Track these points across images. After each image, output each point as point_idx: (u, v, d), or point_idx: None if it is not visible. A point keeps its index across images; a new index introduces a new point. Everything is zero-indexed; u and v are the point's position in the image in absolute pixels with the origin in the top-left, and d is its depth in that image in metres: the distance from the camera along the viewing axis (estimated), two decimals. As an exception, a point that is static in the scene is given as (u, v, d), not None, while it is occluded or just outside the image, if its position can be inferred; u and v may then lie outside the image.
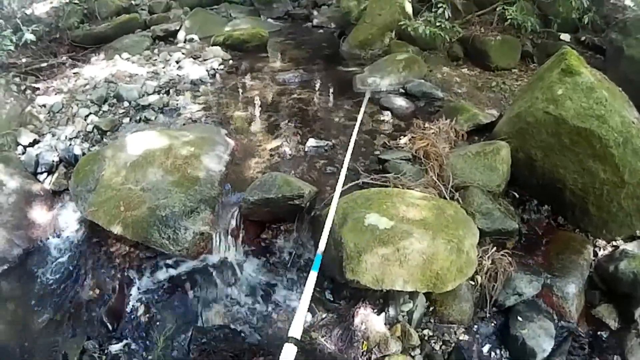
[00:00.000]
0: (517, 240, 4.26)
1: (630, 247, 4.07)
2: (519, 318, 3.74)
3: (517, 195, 4.62)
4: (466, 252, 3.31)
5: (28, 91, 6.37)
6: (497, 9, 7.51)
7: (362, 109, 3.83)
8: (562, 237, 4.33)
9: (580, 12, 7.18)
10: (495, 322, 3.86)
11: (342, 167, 2.83)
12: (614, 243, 4.27)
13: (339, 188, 3.76)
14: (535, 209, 4.56)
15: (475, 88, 6.60)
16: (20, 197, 4.65)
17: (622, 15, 7.48)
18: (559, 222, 4.49)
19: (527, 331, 3.65)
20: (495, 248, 3.88)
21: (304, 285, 2.85)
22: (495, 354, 3.72)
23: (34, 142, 5.38)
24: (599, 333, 3.86)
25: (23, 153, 5.25)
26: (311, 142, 4.92)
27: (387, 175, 4.30)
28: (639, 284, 3.68)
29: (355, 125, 3.83)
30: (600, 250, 4.24)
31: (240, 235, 4.04)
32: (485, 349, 3.73)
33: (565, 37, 7.77)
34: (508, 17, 7.05)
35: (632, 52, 6.25)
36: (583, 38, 7.69)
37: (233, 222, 4.00)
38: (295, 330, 1.72)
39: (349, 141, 3.63)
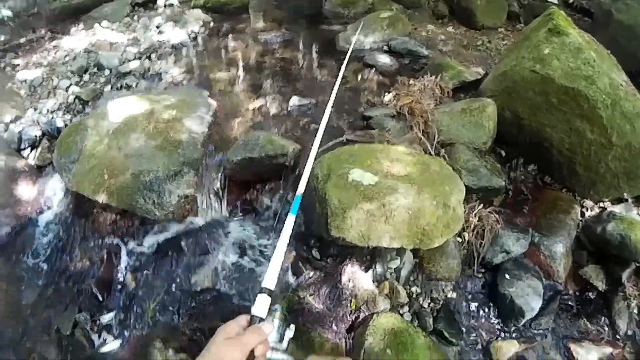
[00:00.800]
0: (503, 198, 4.24)
1: (617, 209, 4.07)
2: (507, 276, 3.75)
3: (503, 153, 4.60)
4: (452, 207, 3.27)
5: (8, 68, 6.26)
6: None
7: (343, 67, 3.77)
8: (549, 197, 4.33)
9: None
10: (483, 280, 3.87)
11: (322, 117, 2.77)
12: (602, 204, 4.27)
13: (321, 130, 3.72)
14: (522, 168, 4.54)
15: (460, 46, 6.53)
16: (4, 175, 4.57)
17: None
18: (546, 181, 4.48)
19: (515, 289, 3.66)
20: (482, 205, 3.86)
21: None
22: (484, 311, 3.74)
23: (16, 119, 5.27)
24: (586, 294, 3.89)
25: (5, 131, 5.15)
26: (294, 100, 4.86)
27: (371, 131, 4.26)
28: (627, 246, 3.68)
29: (335, 81, 3.76)
30: (587, 210, 4.24)
31: (225, 196, 4.00)
32: (474, 306, 3.76)
33: None
34: None
35: (621, 17, 6.16)
36: (571, 0, 7.60)
37: (217, 184, 3.97)
38: (270, 281, 1.67)
39: (330, 97, 3.59)
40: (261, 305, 1.62)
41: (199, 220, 3.94)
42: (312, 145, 2.63)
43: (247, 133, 4.34)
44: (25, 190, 4.60)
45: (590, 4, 7.39)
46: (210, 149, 4.20)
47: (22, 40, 7.02)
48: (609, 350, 3.63)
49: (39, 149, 4.93)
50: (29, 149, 4.99)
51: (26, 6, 7.77)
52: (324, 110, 2.91)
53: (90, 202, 4.04)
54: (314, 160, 2.38)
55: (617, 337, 3.72)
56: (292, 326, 1.73)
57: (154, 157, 3.87)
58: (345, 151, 3.64)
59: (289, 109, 4.80)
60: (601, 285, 3.86)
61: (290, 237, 1.86)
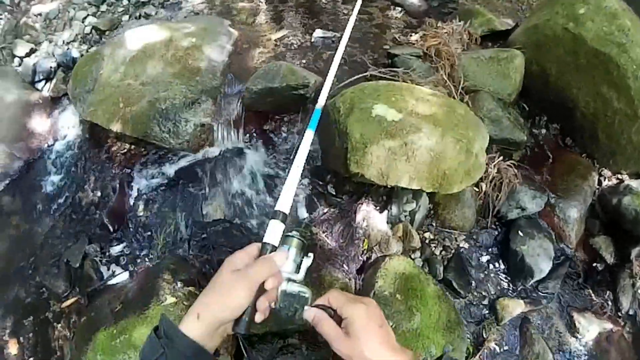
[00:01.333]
0: (523, 154, 4.18)
1: (635, 184, 3.95)
2: (520, 233, 3.70)
3: (527, 108, 4.51)
4: (475, 154, 3.18)
5: (23, 3, 6.17)
6: None
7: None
8: (568, 159, 4.25)
9: None
10: (496, 233, 3.83)
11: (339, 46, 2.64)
12: (619, 176, 4.18)
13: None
14: (544, 125, 4.46)
15: (492, -5, 6.37)
16: (18, 108, 4.54)
17: None
18: (567, 143, 4.39)
19: (527, 248, 3.62)
20: (501, 157, 3.79)
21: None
22: (494, 266, 3.72)
23: (31, 52, 5.23)
24: (594, 264, 3.84)
25: (20, 65, 5.12)
26: (318, 33, 4.75)
27: (396, 69, 4.13)
28: (640, 223, 3.64)
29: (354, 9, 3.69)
30: (605, 180, 4.16)
31: (243, 126, 3.93)
32: (484, 259, 3.72)
33: None
34: None
35: None
36: None
37: (235, 113, 3.88)
38: (283, 203, 1.55)
39: (347, 25, 3.49)
40: (273, 231, 1.51)
41: (215, 150, 3.87)
42: (336, 80, 2.49)
43: (268, 63, 4.23)
44: (39, 122, 4.57)
45: None
46: (230, 78, 4.10)
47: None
48: (609, 326, 3.61)
49: (54, 81, 4.88)
50: (44, 81, 4.94)
51: None
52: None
53: (105, 131, 4.03)
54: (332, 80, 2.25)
55: (619, 314, 3.70)
56: (311, 255, 1.60)
57: (171, 85, 3.78)
58: (370, 86, 3.52)
59: (312, 41, 4.69)
60: (609, 258, 3.81)
61: (307, 162, 1.73)
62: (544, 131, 4.44)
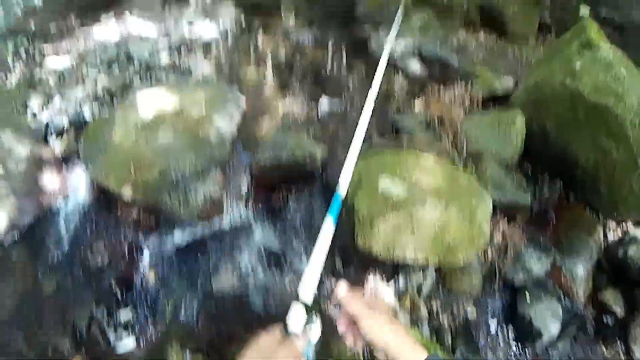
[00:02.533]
0: (528, 214, 4.18)
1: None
2: (527, 296, 3.71)
3: (530, 167, 4.54)
4: (478, 224, 3.26)
5: (37, 56, 6.29)
6: None
7: (379, 75, 3.72)
8: (572, 215, 4.27)
9: None
10: (503, 297, 3.83)
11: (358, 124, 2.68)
12: (624, 226, 4.21)
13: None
14: (547, 183, 4.47)
15: (491, 55, 6.47)
16: (30, 163, 4.58)
17: None
18: (570, 198, 4.41)
19: (535, 311, 3.62)
20: (506, 220, 3.82)
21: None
22: (503, 331, 3.71)
23: (44, 107, 5.30)
24: (604, 318, 3.83)
25: (33, 117, 5.17)
26: (324, 103, 4.85)
27: (400, 139, 4.23)
28: (647, 272, 3.63)
29: (371, 87, 3.71)
30: (610, 231, 4.18)
31: (251, 197, 4.00)
32: (493, 325, 3.72)
33: (585, 11, 7.50)
34: None
35: None
36: (603, 14, 7.45)
37: (244, 184, 3.97)
38: (306, 292, 1.56)
39: (364, 103, 3.55)
40: (297, 319, 1.55)
41: (224, 221, 3.93)
42: (343, 151, 2.54)
43: (276, 134, 4.34)
44: (49, 179, 4.60)
45: (622, 18, 7.26)
46: (239, 149, 4.20)
47: (52, 27, 7.04)
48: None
49: (66, 139, 4.93)
50: (55, 137, 4.99)
51: (58, -7, 7.79)
52: (357, 120, 2.85)
53: (115, 195, 4.04)
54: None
55: (632, 364, 3.66)
56: (319, 329, 1.66)
57: (182, 155, 3.87)
58: (376, 159, 3.62)
59: (318, 111, 4.79)
60: (619, 311, 3.80)
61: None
62: (547, 189, 4.45)
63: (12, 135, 4.69)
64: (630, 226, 4.18)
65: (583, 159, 4.16)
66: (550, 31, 7.37)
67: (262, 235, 3.92)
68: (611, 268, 3.97)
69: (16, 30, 6.48)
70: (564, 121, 4.22)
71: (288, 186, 4.10)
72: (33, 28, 6.84)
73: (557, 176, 4.47)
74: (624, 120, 3.84)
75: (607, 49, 4.14)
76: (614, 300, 3.83)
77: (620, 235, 4.12)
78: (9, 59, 5.86)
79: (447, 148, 4.16)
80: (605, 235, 4.14)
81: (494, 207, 3.70)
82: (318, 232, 3.23)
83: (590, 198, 4.29)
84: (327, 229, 1.68)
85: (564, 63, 4.25)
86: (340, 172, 3.42)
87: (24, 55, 6.13)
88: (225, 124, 4.23)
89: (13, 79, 5.60)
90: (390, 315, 1.44)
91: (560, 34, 5.50)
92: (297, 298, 1.55)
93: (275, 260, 3.82)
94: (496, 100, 5.15)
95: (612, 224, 4.21)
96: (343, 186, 1.96)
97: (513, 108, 4.62)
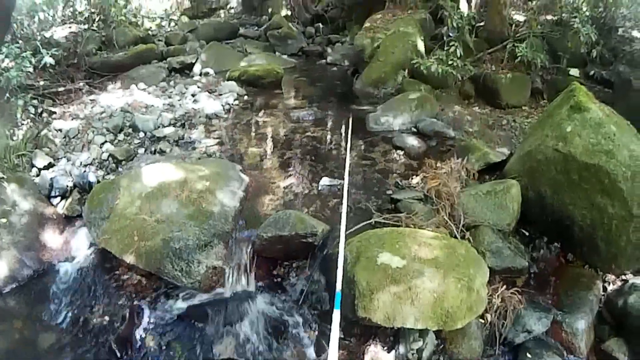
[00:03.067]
0: (526, 278, 4.28)
1: (639, 280, 4.08)
2: (529, 355, 3.75)
3: (527, 233, 4.67)
4: (476, 290, 3.36)
5: (45, 114, 6.47)
6: (508, 47, 7.79)
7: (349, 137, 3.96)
8: (571, 274, 4.36)
9: (588, 46, 7.42)
10: (504, 360, 3.87)
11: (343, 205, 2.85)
12: (624, 277, 4.28)
13: (343, 225, 3.82)
14: (544, 246, 4.58)
15: (486, 126, 6.73)
16: (32, 218, 4.69)
17: (629, 48, 7.62)
18: (569, 258, 4.51)
19: (536, 371, 3.68)
20: (505, 286, 3.89)
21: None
22: (504, 395, 3.72)
23: (49, 166, 5.44)
24: None
25: (37, 175, 5.31)
26: (324, 180, 5.02)
27: (399, 214, 4.36)
28: (648, 317, 3.70)
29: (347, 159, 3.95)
30: (609, 285, 4.26)
31: (253, 270, 4.08)
32: (494, 389, 3.73)
33: (575, 72, 7.89)
34: (518, 55, 7.28)
35: None
36: (592, 72, 7.78)
37: (246, 258, 4.06)
38: None
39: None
40: None
41: (226, 292, 3.99)
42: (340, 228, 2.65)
43: (277, 210, 4.47)
44: (51, 237, 4.70)
45: (610, 74, 7.54)
46: (241, 223, 4.33)
47: (61, 89, 7.27)
48: None
49: (69, 200, 5.05)
50: (59, 197, 5.12)
51: (67, 55, 8.03)
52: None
53: (117, 259, 4.13)
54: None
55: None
56: None
57: (185, 226, 3.98)
58: (374, 234, 3.75)
59: (319, 188, 4.96)
60: (623, 358, 3.80)
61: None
62: (545, 253, 4.54)
63: (17, 189, 4.81)
64: (630, 276, 4.25)
65: (579, 218, 4.28)
66: (542, 96, 7.70)
67: (263, 305, 3.96)
68: (613, 318, 4.02)
69: (27, 87, 6.62)
70: (558, 184, 4.38)
71: (290, 260, 4.20)
72: (43, 86, 7.04)
73: (554, 238, 4.57)
74: (617, 175, 4.01)
75: (596, 110, 4.33)
76: (618, 348, 3.84)
77: (620, 285, 4.19)
78: (19, 115, 6.00)
79: (444, 220, 4.28)
80: (604, 289, 4.22)
81: (494, 273, 3.83)
82: (317, 303, 3.34)
83: (589, 255, 4.38)
84: (336, 321, 1.79)
85: (555, 128, 4.45)
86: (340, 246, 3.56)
87: (32, 112, 6.29)
88: (228, 199, 4.38)
89: (20, 134, 5.73)
90: None
91: (552, 97, 5.72)
92: None
93: (275, 331, 3.85)
94: (492, 171, 5.33)
95: (611, 277, 4.29)
96: (339, 283, 2.09)
97: (508, 177, 4.79)
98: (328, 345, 3.65)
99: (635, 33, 8.08)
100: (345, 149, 5.72)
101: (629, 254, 4.20)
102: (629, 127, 4.55)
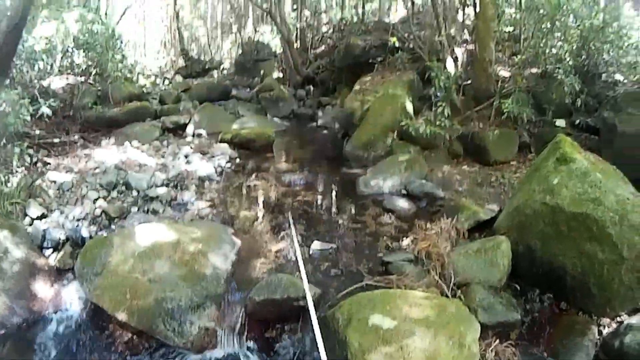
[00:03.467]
0: (520, 330, 4.27)
1: (634, 320, 4.06)
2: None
3: (518, 287, 4.68)
4: (468, 346, 3.40)
5: (39, 164, 6.56)
6: (494, 103, 7.95)
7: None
8: (565, 322, 4.37)
9: (572, 96, 7.60)
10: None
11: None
12: (618, 319, 4.28)
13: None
14: (537, 298, 4.60)
15: (475, 184, 6.87)
16: (24, 267, 4.67)
17: (613, 92, 7.70)
18: (562, 307, 4.51)
19: None
20: (498, 340, 3.90)
21: None
22: None
23: (42, 216, 5.48)
24: None
25: (30, 225, 5.33)
26: (316, 245, 5.10)
27: (390, 276, 4.44)
28: (646, 355, 3.71)
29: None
30: (604, 328, 4.26)
31: (245, 332, 4.09)
32: None
33: (561, 122, 8.00)
34: (505, 110, 7.42)
35: (624, 128, 6.51)
36: (577, 121, 7.88)
37: (238, 320, 4.09)
38: None
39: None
40: None
41: (218, 353, 4.00)
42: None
43: (269, 273, 4.54)
44: (42, 287, 4.67)
45: (595, 120, 7.64)
46: (233, 286, 4.38)
47: (56, 140, 7.36)
48: None
49: (62, 253, 5.07)
50: (51, 249, 5.14)
51: (63, 107, 8.19)
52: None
53: (108, 316, 4.13)
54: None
55: None
56: None
57: (177, 287, 4.04)
58: (366, 297, 3.83)
59: (310, 253, 5.03)
60: None
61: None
62: (537, 304, 4.56)
63: (9, 237, 4.79)
64: (624, 317, 4.26)
65: (570, 267, 4.33)
66: (530, 149, 7.80)
67: (255, 368, 3.99)
68: None
69: (23, 135, 6.74)
70: (547, 237, 4.46)
71: (282, 322, 4.20)
72: (39, 136, 7.15)
73: (546, 289, 4.60)
74: (605, 221, 4.10)
75: (581, 159, 4.48)
76: (617, 391, 3.84)
77: (615, 327, 4.19)
78: (14, 162, 6.08)
79: (435, 280, 4.35)
80: (600, 332, 4.21)
81: (487, 328, 3.86)
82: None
83: (582, 302, 4.40)
84: None
85: (542, 181, 4.58)
86: (333, 307, 3.63)
87: (28, 160, 6.39)
88: (220, 262, 4.47)
89: (15, 181, 5.76)
90: None
91: (539, 150, 5.85)
92: None
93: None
94: (482, 229, 5.41)
95: (605, 321, 4.30)
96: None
97: (498, 233, 4.89)
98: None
99: (618, 76, 8.27)
100: (337, 213, 5.88)
101: (622, 295, 4.23)
102: (615, 171, 4.69)
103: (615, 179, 4.50)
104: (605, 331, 4.23)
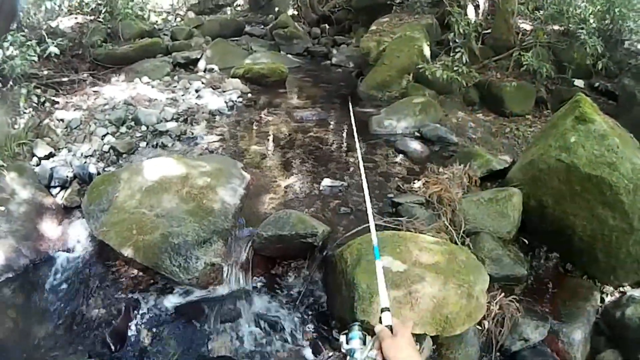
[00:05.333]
0: (525, 286, 4.28)
1: (637, 293, 4.09)
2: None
3: (527, 242, 4.66)
4: (476, 297, 3.36)
5: (47, 104, 6.47)
6: (514, 55, 7.80)
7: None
8: (569, 284, 4.38)
9: (594, 58, 7.43)
10: (499, 368, 3.85)
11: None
12: (622, 289, 4.30)
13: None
14: (544, 256, 4.60)
15: (489, 134, 6.76)
16: (31, 208, 4.67)
17: (635, 61, 7.65)
18: (567, 268, 4.53)
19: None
20: (503, 294, 3.89)
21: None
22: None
23: (50, 155, 5.44)
24: None
25: (37, 165, 5.30)
26: (326, 181, 5.00)
27: (400, 218, 4.36)
28: (645, 329, 3.69)
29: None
30: (607, 296, 4.28)
31: (251, 269, 4.05)
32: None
33: (579, 83, 7.93)
34: (524, 63, 7.26)
35: None
36: (596, 84, 7.87)
37: (244, 256, 4.02)
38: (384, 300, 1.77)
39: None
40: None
41: (223, 290, 3.97)
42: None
43: (278, 209, 4.45)
44: (49, 227, 4.67)
45: (615, 86, 7.62)
46: (241, 221, 4.31)
47: (65, 79, 7.26)
48: None
49: (69, 190, 5.05)
50: (59, 188, 5.11)
51: (72, 46, 8.06)
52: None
53: (114, 252, 4.10)
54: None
55: None
56: None
57: (184, 221, 3.96)
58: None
59: (320, 189, 4.94)
60: None
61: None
62: (544, 262, 4.56)
63: (16, 178, 4.80)
64: (627, 288, 4.27)
65: (580, 229, 4.29)
66: (547, 106, 7.70)
67: (259, 304, 3.95)
68: (609, 329, 4.04)
69: (30, 76, 6.63)
70: (560, 194, 4.38)
71: (289, 260, 4.18)
72: (46, 76, 7.04)
73: (554, 248, 4.59)
74: (619, 187, 4.02)
75: (600, 121, 4.33)
76: (614, 360, 3.85)
77: (618, 296, 4.21)
78: (21, 103, 6.00)
79: (445, 226, 4.27)
80: (602, 300, 4.23)
81: (492, 280, 3.78)
82: (315, 304, 3.34)
83: (588, 266, 4.40)
84: (380, 269, 1.86)
85: (559, 138, 4.44)
86: (341, 246, 3.54)
87: (35, 101, 6.29)
88: (229, 196, 4.37)
89: (22, 123, 5.72)
90: (409, 341, 1.58)
91: (556, 107, 5.73)
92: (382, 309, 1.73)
93: (271, 330, 3.83)
94: (494, 179, 5.32)
95: (609, 289, 4.32)
96: (374, 237, 2.13)
97: (510, 185, 4.79)
98: (327, 343, 3.69)
99: (640, 46, 8.05)
100: (348, 151, 5.77)
101: (627, 266, 4.22)
102: (632, 140, 4.59)
103: (632, 148, 4.40)
104: (607, 299, 4.23)
